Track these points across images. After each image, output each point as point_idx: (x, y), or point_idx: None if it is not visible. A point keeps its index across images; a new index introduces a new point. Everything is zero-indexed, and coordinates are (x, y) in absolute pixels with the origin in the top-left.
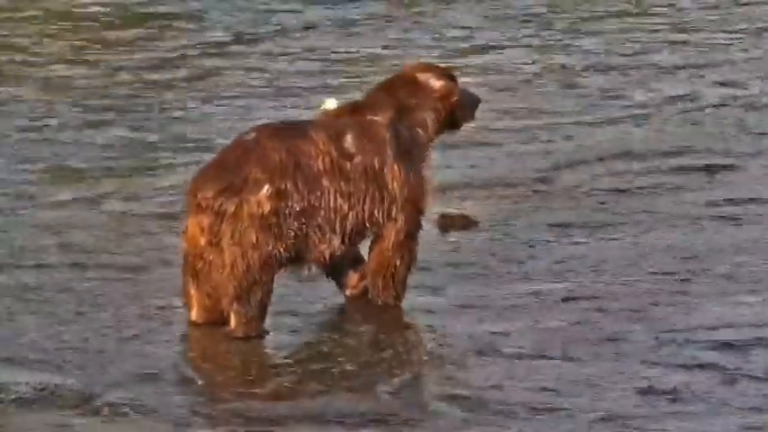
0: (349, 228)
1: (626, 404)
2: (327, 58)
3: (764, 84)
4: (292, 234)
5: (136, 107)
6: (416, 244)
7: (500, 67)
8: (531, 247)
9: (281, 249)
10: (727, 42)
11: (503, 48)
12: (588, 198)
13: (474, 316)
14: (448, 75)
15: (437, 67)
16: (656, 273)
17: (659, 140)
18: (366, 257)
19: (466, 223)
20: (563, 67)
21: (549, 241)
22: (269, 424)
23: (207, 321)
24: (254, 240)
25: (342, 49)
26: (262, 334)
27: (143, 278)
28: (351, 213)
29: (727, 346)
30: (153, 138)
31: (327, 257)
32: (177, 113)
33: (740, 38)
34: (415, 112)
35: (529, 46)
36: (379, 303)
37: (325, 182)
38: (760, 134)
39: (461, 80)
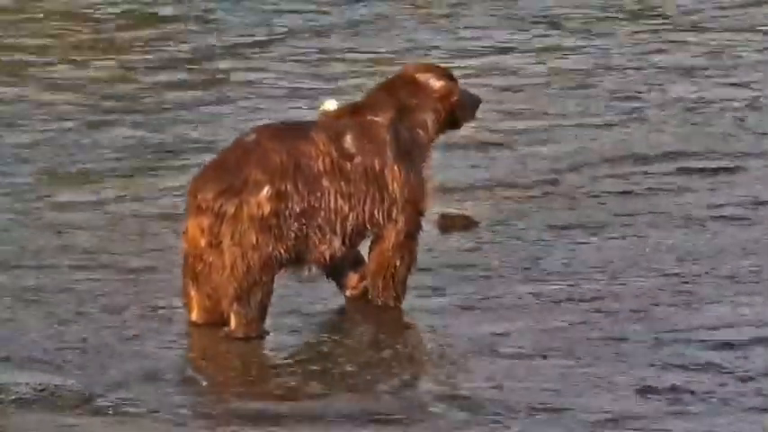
0: (349, 229)
1: (627, 404)
2: (343, 59)
3: None
4: (293, 235)
5: (143, 108)
6: (417, 245)
7: (506, 69)
8: (531, 247)
9: (282, 250)
10: (737, 43)
11: (510, 49)
12: (589, 199)
13: (474, 316)
14: (448, 75)
15: (437, 67)
16: (656, 273)
17: (662, 142)
18: (366, 258)
19: (466, 224)
20: (569, 69)
21: (549, 242)
22: (269, 424)
23: (207, 322)
24: (255, 241)
25: (351, 50)
26: (262, 335)
27: (144, 279)
28: (351, 214)
29: (728, 346)
30: (160, 139)
31: (328, 258)
32: (185, 115)
33: (751, 39)
34: (415, 113)
35: (536, 47)
36: (380, 304)
37: (326, 183)
38: (762, 134)
39: (462, 81)
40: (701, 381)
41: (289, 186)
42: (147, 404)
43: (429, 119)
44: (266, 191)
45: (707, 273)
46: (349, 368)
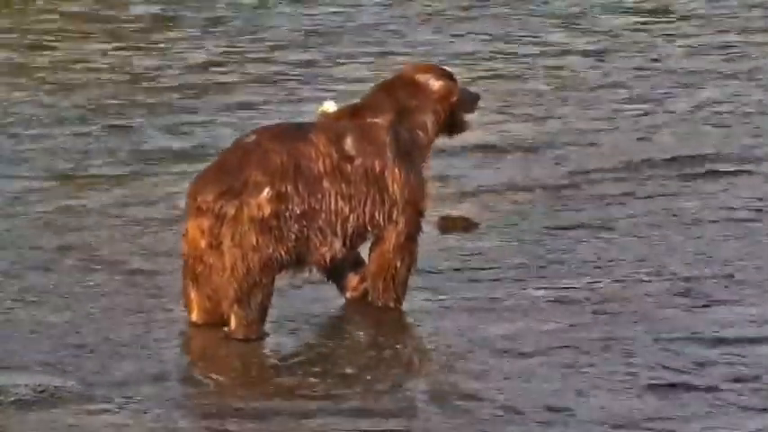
0: (350, 230)
1: (627, 405)
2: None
3: None
4: (293, 237)
5: (151, 111)
6: (417, 246)
7: (515, 72)
8: (531, 249)
9: (282, 252)
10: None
11: (518, 53)
12: (589, 200)
13: (474, 318)
14: (447, 75)
15: (436, 67)
16: (657, 274)
17: (665, 145)
18: (366, 260)
19: (466, 225)
20: (574, 71)
21: (549, 243)
22: (269, 425)
23: (207, 323)
24: (255, 243)
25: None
26: (262, 336)
27: (144, 280)
28: (351, 216)
29: (729, 347)
30: (167, 142)
31: (328, 260)
32: (191, 119)
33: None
34: (415, 114)
35: (546, 50)
36: (380, 305)
37: (326, 184)
38: None
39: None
40: (703, 381)
41: (289, 188)
42: (147, 405)
43: (429, 120)
44: (266, 192)
45: (709, 273)
46: (349, 369)
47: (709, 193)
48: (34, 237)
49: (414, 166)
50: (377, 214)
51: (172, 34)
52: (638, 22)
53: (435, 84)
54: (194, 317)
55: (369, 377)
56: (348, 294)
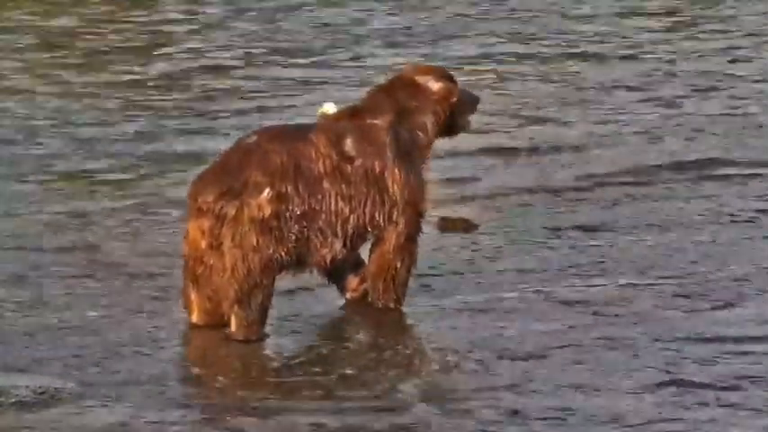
0: (350, 231)
1: (628, 407)
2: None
3: None
4: (293, 237)
5: (158, 112)
6: (417, 247)
7: (519, 76)
8: (531, 250)
9: (282, 253)
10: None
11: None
12: (589, 202)
13: (474, 319)
14: (447, 76)
15: (436, 68)
16: (657, 275)
17: (668, 149)
18: (366, 260)
19: (466, 226)
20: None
21: (549, 244)
22: (269, 426)
23: (207, 324)
24: (255, 244)
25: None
26: (262, 337)
27: (144, 281)
28: (352, 216)
29: (730, 348)
30: (174, 145)
31: (329, 261)
32: (197, 123)
33: None
34: (414, 115)
35: (558, 53)
36: (380, 306)
37: (326, 185)
38: None
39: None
40: (705, 382)
41: (289, 188)
42: (147, 407)
43: (429, 121)
44: (267, 193)
45: (710, 274)
46: (349, 370)
47: (714, 195)
48: (35, 238)
49: (414, 166)
50: (377, 215)
51: (189, 36)
52: (650, 26)
53: (435, 85)
54: (194, 318)
55: (369, 378)
56: (348, 295)
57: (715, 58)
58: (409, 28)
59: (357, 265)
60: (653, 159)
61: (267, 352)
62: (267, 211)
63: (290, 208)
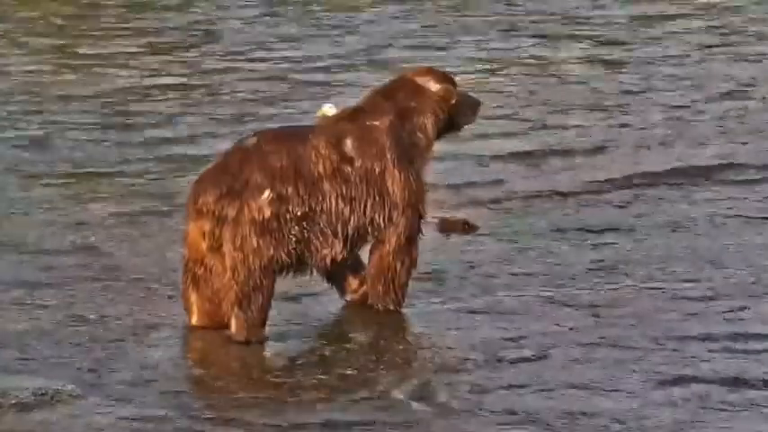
0: (350, 232)
1: (628, 408)
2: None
3: None
4: (293, 239)
5: (166, 113)
6: (417, 248)
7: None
8: (531, 251)
9: (283, 254)
10: None
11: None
12: (589, 203)
13: (474, 320)
14: (447, 78)
15: (436, 70)
16: (657, 277)
17: (669, 151)
18: (366, 262)
19: (466, 228)
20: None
21: (549, 245)
22: (269, 428)
23: (207, 326)
24: (256, 245)
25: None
26: (262, 339)
27: (144, 282)
28: (352, 217)
29: (730, 350)
30: (180, 145)
31: (329, 262)
32: (203, 127)
33: None
34: (414, 117)
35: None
36: (380, 308)
37: (326, 186)
38: None
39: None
40: (706, 382)
41: (289, 190)
42: (147, 408)
43: (428, 122)
44: (267, 194)
45: (711, 276)
46: (349, 372)
47: (716, 199)
48: (35, 239)
49: (413, 168)
50: (377, 216)
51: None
52: (665, 31)
53: (435, 86)
54: (194, 320)
55: (369, 379)
56: (348, 297)
57: (733, 61)
58: (426, 27)
59: (357, 266)
60: (658, 163)
61: (267, 353)
62: (267, 212)
63: (291, 209)
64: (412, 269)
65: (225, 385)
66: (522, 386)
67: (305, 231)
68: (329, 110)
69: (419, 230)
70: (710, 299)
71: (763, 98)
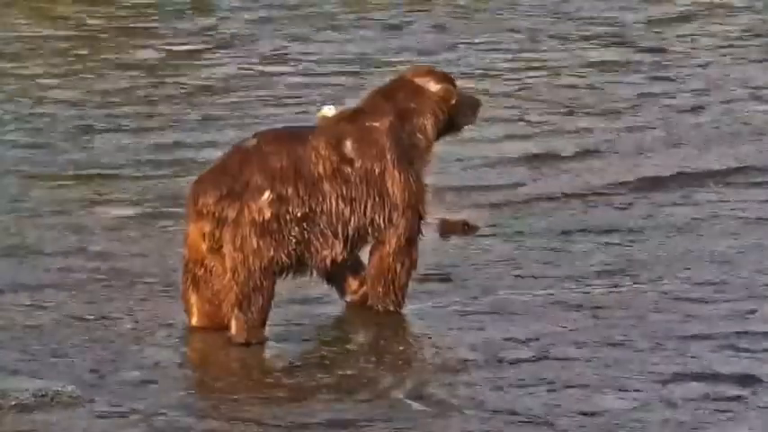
0: (350, 233)
1: (627, 409)
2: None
3: None
4: (294, 240)
5: (172, 113)
6: (417, 249)
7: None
8: (531, 252)
9: (283, 255)
10: None
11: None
12: (588, 204)
13: (474, 321)
14: (446, 78)
15: (435, 70)
16: (656, 278)
17: (674, 153)
18: (366, 263)
19: (466, 229)
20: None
21: (549, 246)
22: (269, 429)
23: (207, 327)
24: (256, 246)
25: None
26: (262, 340)
27: (144, 283)
28: (352, 218)
29: (731, 350)
30: (169, 144)
31: (329, 263)
32: (196, 124)
33: None
34: (414, 117)
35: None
36: (380, 309)
37: (326, 187)
38: None
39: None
40: (707, 382)
41: (289, 191)
42: (146, 409)
43: (428, 123)
44: (267, 195)
45: (714, 276)
46: (349, 373)
47: (722, 200)
48: (36, 239)
49: (413, 169)
50: (377, 217)
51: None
52: (679, 34)
53: (434, 87)
54: (194, 321)
55: (369, 380)
56: (348, 298)
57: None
58: (442, 27)
59: (357, 267)
60: (661, 166)
61: (267, 354)
62: (267, 213)
63: (291, 210)
64: (412, 270)
65: (225, 386)
66: (522, 386)
67: (305, 232)
68: (329, 111)
69: (419, 231)
70: (714, 299)
71: None
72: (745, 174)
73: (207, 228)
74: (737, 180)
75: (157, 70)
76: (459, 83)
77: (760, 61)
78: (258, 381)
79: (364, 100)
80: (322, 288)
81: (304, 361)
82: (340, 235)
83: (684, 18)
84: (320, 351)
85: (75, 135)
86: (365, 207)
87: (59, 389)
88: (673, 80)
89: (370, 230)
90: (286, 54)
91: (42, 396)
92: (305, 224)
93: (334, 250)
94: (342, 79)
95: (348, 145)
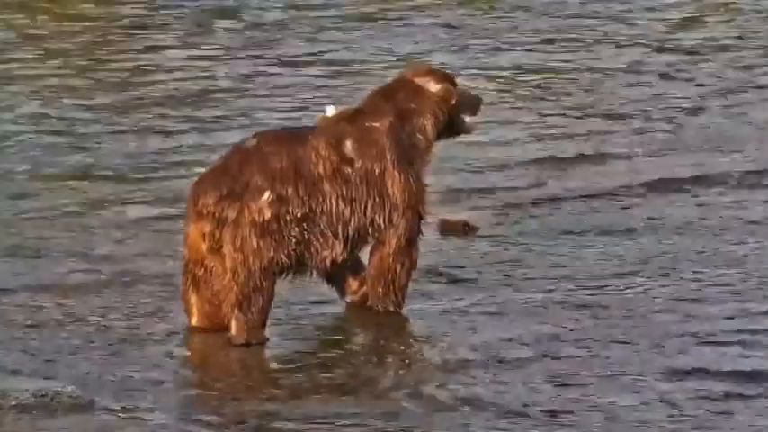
0: (351, 233)
1: (627, 410)
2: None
3: None
4: (294, 240)
5: (176, 113)
6: (417, 250)
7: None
8: (531, 252)
9: (283, 255)
10: None
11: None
12: (587, 206)
13: (474, 322)
14: (446, 78)
15: (436, 70)
16: (656, 278)
17: (677, 156)
18: (366, 263)
19: (467, 229)
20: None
21: (549, 247)
22: (270, 429)
23: (207, 328)
24: (256, 247)
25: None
26: (262, 340)
27: (144, 284)
28: (352, 219)
29: (730, 351)
30: (169, 144)
31: (329, 263)
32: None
33: None
34: (414, 117)
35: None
36: (380, 309)
37: (326, 187)
38: None
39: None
40: (707, 382)
41: (290, 191)
42: (146, 410)
43: (428, 123)
44: (267, 196)
45: (710, 277)
46: (349, 374)
47: (722, 203)
48: (36, 240)
49: (413, 169)
50: (377, 217)
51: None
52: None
53: (434, 87)
54: (194, 321)
55: (369, 380)
56: (348, 298)
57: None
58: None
59: (357, 267)
60: (664, 168)
61: (267, 355)
62: (267, 214)
63: (291, 211)
64: (412, 270)
65: (225, 386)
66: (522, 386)
67: (305, 233)
68: (329, 111)
69: (419, 232)
70: (714, 299)
71: None
72: (760, 176)
73: (207, 228)
74: (747, 182)
75: (168, 71)
76: (468, 84)
77: None
78: (258, 381)
79: (364, 100)
80: (322, 288)
81: (304, 361)
82: (340, 235)
83: (695, 20)
84: (320, 351)
85: (82, 136)
86: (365, 207)
87: (59, 389)
88: (685, 81)
89: (370, 231)
90: (299, 56)
91: (42, 396)
92: (305, 224)
93: (335, 251)
94: (344, 80)
95: (348, 145)
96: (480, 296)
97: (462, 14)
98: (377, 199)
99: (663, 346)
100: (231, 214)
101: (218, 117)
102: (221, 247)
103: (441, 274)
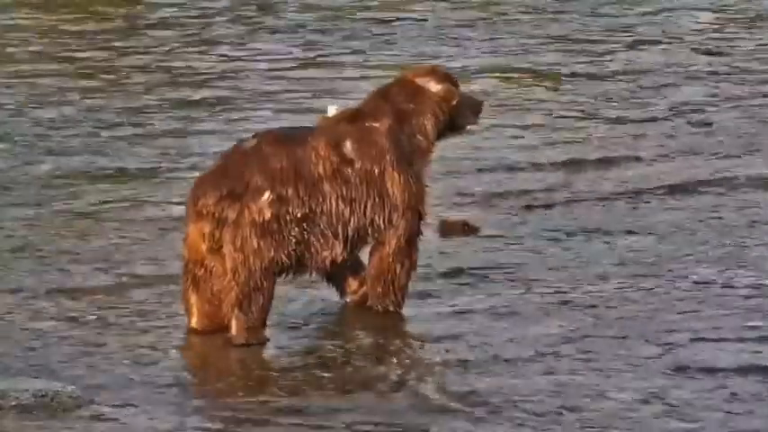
0: (350, 233)
1: (627, 410)
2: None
3: None
4: (294, 240)
5: (158, 112)
6: (417, 250)
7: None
8: (530, 253)
9: (283, 255)
10: None
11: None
12: (587, 205)
13: (474, 322)
14: (448, 78)
15: (437, 70)
16: (655, 278)
17: (669, 152)
18: (366, 263)
19: (467, 229)
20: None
21: (550, 247)
22: (270, 429)
23: (207, 328)
24: (256, 247)
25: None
26: (262, 341)
27: (143, 284)
28: (352, 219)
29: (734, 348)
30: (170, 143)
31: (329, 264)
32: (199, 124)
33: None
34: (414, 118)
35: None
36: (380, 309)
37: (326, 188)
38: None
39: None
40: (708, 383)
41: (289, 191)
42: (146, 410)
43: (429, 123)
44: (267, 196)
45: (710, 277)
46: (349, 374)
47: (727, 204)
48: (36, 240)
49: (413, 170)
50: (377, 218)
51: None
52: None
53: (435, 87)
54: (194, 322)
55: (369, 380)
56: (348, 298)
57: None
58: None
59: (357, 267)
60: (666, 170)
61: (267, 355)
62: (267, 214)
63: (291, 211)
64: (412, 271)
65: (225, 386)
66: (522, 386)
67: (305, 233)
68: (330, 111)
69: (419, 232)
70: (715, 299)
71: None
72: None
73: (207, 228)
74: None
75: (185, 76)
76: (475, 85)
77: None
78: (258, 381)
79: (364, 100)
80: (322, 288)
81: (304, 361)
82: (340, 235)
83: (712, 25)
84: (320, 351)
85: (96, 138)
86: (365, 208)
87: (59, 389)
88: (700, 83)
89: (369, 231)
90: (307, 57)
91: (42, 396)
92: (305, 225)
93: (334, 251)
94: (344, 80)
95: (348, 146)
96: (481, 296)
97: (473, 17)
98: (377, 199)
99: (663, 346)
100: (231, 214)
101: (236, 120)
102: (221, 247)
103: (441, 275)
